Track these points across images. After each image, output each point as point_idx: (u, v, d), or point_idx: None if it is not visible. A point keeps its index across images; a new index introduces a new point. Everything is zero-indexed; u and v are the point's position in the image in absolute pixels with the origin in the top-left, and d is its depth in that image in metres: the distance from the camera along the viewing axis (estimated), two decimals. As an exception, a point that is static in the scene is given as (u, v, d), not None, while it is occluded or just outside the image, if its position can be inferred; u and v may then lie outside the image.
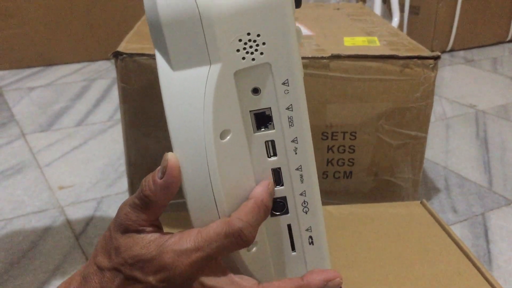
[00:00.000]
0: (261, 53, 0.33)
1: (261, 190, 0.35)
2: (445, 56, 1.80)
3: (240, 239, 0.33)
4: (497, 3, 1.86)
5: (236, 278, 0.34)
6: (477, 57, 1.78)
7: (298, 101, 0.34)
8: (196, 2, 0.31)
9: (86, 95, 1.37)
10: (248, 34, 0.32)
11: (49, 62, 1.62)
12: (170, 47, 0.32)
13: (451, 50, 1.86)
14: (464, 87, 1.48)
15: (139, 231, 0.34)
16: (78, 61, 1.64)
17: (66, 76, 1.52)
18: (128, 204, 0.35)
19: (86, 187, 0.91)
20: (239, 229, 0.32)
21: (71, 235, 0.77)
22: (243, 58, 0.33)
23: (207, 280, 0.33)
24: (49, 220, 0.81)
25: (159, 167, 0.34)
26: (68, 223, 0.81)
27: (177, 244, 0.33)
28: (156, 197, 0.33)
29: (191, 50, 0.32)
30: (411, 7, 1.83)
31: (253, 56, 0.33)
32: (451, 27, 1.81)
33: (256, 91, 0.34)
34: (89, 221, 0.81)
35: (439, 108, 1.30)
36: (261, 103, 0.34)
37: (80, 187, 0.91)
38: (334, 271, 0.36)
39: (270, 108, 0.35)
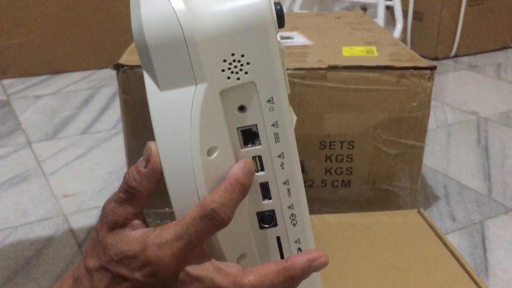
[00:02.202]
0: (246, 73, 0.34)
1: (236, 169, 0.35)
2: (448, 62, 1.80)
3: (214, 219, 0.33)
4: (500, 9, 1.86)
5: (221, 265, 0.35)
6: (481, 63, 1.78)
7: (283, 118, 0.36)
8: (180, 26, 0.32)
9: (91, 103, 1.39)
10: (233, 54, 0.33)
11: (55, 70, 1.64)
12: (157, 68, 0.33)
13: (455, 56, 1.86)
14: (467, 93, 1.48)
15: (125, 225, 0.35)
16: (84, 69, 1.66)
17: (72, 84, 1.54)
18: (112, 201, 0.35)
19: (90, 196, 0.93)
20: (211, 210, 0.33)
21: (74, 243, 0.79)
22: (228, 78, 0.34)
23: (192, 269, 0.34)
24: (53, 228, 0.83)
25: (141, 159, 0.35)
26: (71, 231, 0.82)
27: (158, 237, 0.33)
28: (142, 187, 0.34)
29: (177, 71, 0.33)
30: (414, 13, 1.84)
31: (238, 75, 0.34)
32: (455, 32, 1.81)
33: (242, 108, 0.35)
34: (91, 231, 0.83)
35: (441, 115, 1.30)
36: (248, 120, 0.35)
37: (83, 196, 0.93)
38: (319, 250, 0.36)
39: (256, 125, 0.36)
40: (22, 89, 1.50)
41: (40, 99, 1.42)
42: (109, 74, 1.63)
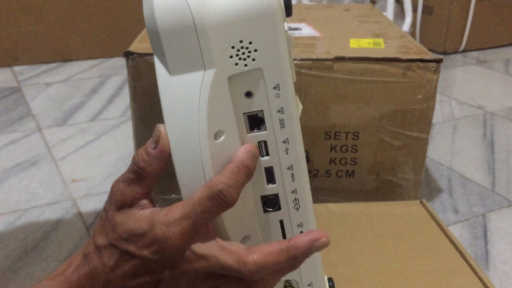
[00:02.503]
0: (253, 59, 0.35)
1: (241, 152, 0.36)
2: (457, 57, 1.80)
3: (221, 200, 0.34)
4: (510, 4, 1.85)
5: (226, 244, 0.36)
6: (490, 57, 1.78)
7: (288, 105, 0.37)
8: (191, 13, 0.33)
9: (100, 91, 1.40)
10: (241, 41, 0.35)
11: (66, 58, 1.66)
12: (167, 53, 0.34)
13: (464, 51, 1.86)
14: (474, 88, 1.48)
15: (133, 205, 0.36)
16: (94, 58, 1.68)
17: (82, 72, 1.56)
18: (121, 181, 0.37)
19: (98, 181, 0.94)
20: (218, 191, 0.34)
21: (82, 226, 0.81)
22: (236, 64, 0.35)
23: (198, 248, 0.35)
24: (62, 211, 0.85)
25: (150, 140, 0.36)
26: (80, 215, 0.84)
27: (166, 216, 0.34)
28: (150, 167, 0.35)
29: (187, 57, 0.34)
30: (424, 7, 1.84)
31: (245, 62, 0.35)
32: (464, 27, 1.81)
33: (249, 94, 0.36)
34: (99, 214, 0.84)
35: (448, 109, 1.31)
36: (254, 106, 0.37)
37: (92, 181, 0.94)
38: (321, 231, 0.37)
39: (262, 110, 0.37)
40: (33, 76, 1.52)
41: (50, 86, 1.44)
42: (119, 62, 1.64)
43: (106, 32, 1.67)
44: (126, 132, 1.15)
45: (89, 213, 0.85)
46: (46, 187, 0.92)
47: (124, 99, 1.34)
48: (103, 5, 1.65)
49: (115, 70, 1.57)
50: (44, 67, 1.60)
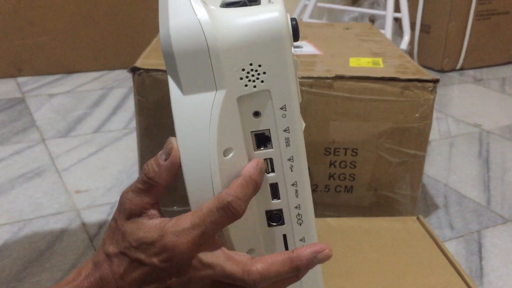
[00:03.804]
0: (262, 81, 0.37)
1: (250, 167, 0.38)
2: (454, 75, 1.83)
3: (229, 211, 0.36)
4: (507, 23, 1.89)
5: (231, 253, 0.38)
6: (486, 76, 1.81)
7: (294, 124, 0.39)
8: (205, 36, 0.35)
9: (103, 103, 1.42)
10: (251, 64, 0.37)
11: (69, 70, 1.68)
12: (181, 74, 0.36)
13: (461, 69, 1.89)
14: (471, 106, 1.50)
15: (142, 215, 0.38)
16: (97, 70, 1.70)
17: (85, 84, 1.58)
18: (130, 191, 0.38)
19: (101, 192, 0.96)
20: (228, 203, 0.36)
21: (85, 237, 0.82)
22: (246, 85, 0.37)
23: (205, 257, 0.37)
24: (66, 222, 0.86)
25: (161, 152, 0.37)
26: (83, 225, 0.86)
27: (175, 225, 0.36)
28: (160, 178, 0.37)
29: (200, 78, 0.36)
30: (422, 25, 1.87)
31: (254, 83, 0.37)
32: (461, 46, 1.84)
33: (257, 114, 0.38)
34: (102, 225, 0.86)
35: (445, 127, 1.33)
36: (261, 125, 0.39)
37: (95, 192, 0.96)
38: (323, 244, 0.39)
39: (269, 129, 0.39)
40: (37, 87, 1.54)
41: (54, 97, 1.46)
42: (121, 75, 1.67)
43: (109, 45, 1.70)
44: (128, 144, 1.17)
45: (92, 224, 0.86)
46: (50, 198, 0.93)
47: (127, 112, 1.36)
48: (106, 18, 1.68)
49: (118, 82, 1.60)
50: (48, 78, 1.62)
